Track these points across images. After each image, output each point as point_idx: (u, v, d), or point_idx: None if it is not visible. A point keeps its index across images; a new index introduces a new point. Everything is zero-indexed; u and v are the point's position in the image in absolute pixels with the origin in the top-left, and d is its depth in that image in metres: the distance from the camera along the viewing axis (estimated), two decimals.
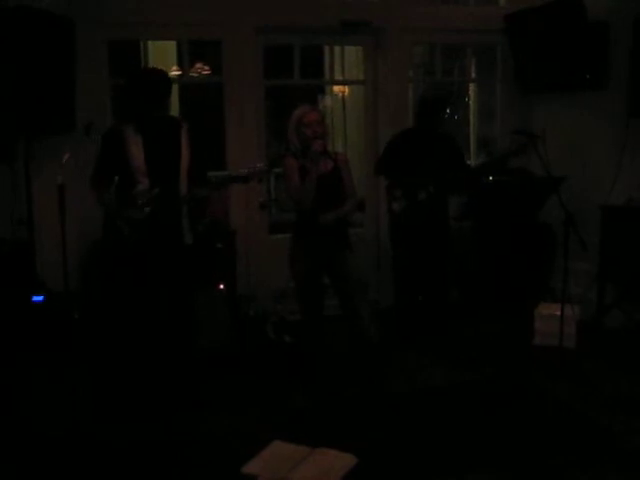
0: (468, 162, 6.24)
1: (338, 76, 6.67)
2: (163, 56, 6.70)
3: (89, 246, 5.19)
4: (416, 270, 5.40)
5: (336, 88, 7.34)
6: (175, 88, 7.34)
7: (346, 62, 6.84)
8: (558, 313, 4.38)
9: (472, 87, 7.42)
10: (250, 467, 3.35)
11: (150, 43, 5.79)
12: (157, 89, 3.96)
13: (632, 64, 5.20)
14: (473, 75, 6.92)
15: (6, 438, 3.72)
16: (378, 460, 3.44)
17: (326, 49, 6.52)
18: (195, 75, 6.50)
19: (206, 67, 6.75)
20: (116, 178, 4.05)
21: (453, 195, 5.66)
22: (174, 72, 6.72)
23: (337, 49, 6.53)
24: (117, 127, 4.07)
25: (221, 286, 5.12)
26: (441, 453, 3.53)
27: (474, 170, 5.94)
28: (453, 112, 8.77)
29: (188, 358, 4.27)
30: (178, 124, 4.12)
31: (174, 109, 7.21)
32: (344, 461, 3.36)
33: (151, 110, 3.98)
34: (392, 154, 5.37)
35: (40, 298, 4.83)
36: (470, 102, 7.56)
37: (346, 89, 7.16)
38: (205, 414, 4.02)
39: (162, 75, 4.06)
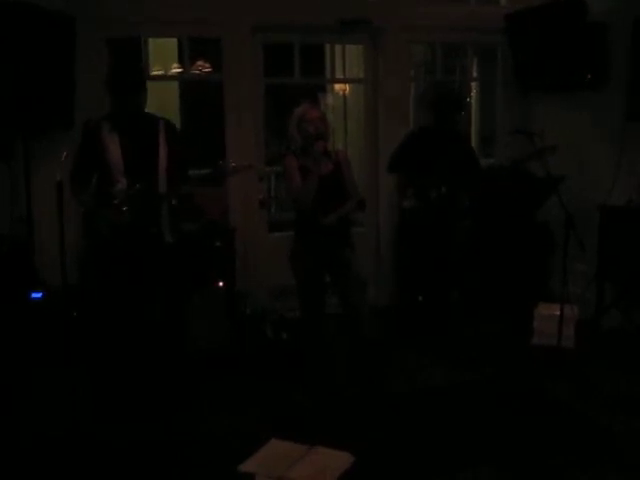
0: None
1: (339, 74, 6.66)
2: (164, 54, 6.69)
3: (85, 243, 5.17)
4: (419, 269, 5.40)
5: (337, 86, 7.33)
6: (176, 85, 7.34)
7: (347, 60, 6.83)
8: (557, 313, 4.38)
9: (473, 86, 7.42)
10: (247, 466, 3.36)
11: (151, 40, 5.78)
12: (124, 85, 3.89)
13: (631, 65, 5.21)
14: (474, 74, 6.92)
15: (6, 438, 3.72)
16: (377, 460, 3.45)
17: (327, 47, 6.52)
18: (196, 73, 6.49)
19: (207, 65, 6.73)
20: (94, 177, 4.01)
21: (467, 195, 5.65)
22: (175, 69, 6.71)
23: (338, 47, 6.52)
24: (93, 124, 3.97)
25: (220, 284, 5.12)
26: (441, 453, 3.54)
27: (490, 173, 5.91)
28: None
29: (178, 356, 4.26)
30: (155, 121, 4.07)
31: (174, 106, 7.22)
32: (340, 460, 3.38)
33: (122, 107, 3.93)
34: (406, 152, 5.35)
35: (39, 295, 4.82)
36: (471, 101, 7.56)
37: (347, 87, 7.15)
38: (205, 414, 4.03)
39: (130, 71, 4.01)
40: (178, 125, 6.53)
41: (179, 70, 6.50)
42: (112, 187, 3.91)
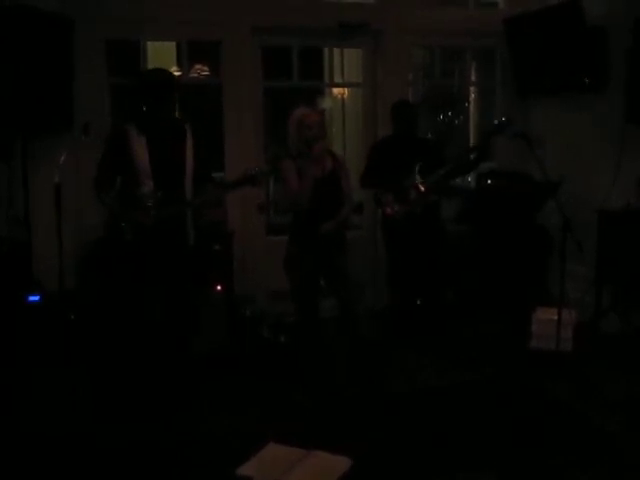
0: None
1: (338, 78, 6.67)
2: (162, 57, 6.69)
3: (86, 246, 5.16)
4: (410, 272, 5.41)
5: (336, 90, 7.35)
6: None
7: (346, 64, 6.84)
8: (555, 317, 4.37)
9: (472, 90, 7.45)
10: (245, 469, 3.33)
11: (149, 44, 5.78)
12: (161, 90, 3.90)
13: (629, 69, 5.23)
14: (473, 78, 6.94)
15: (6, 438, 3.70)
16: (377, 460, 3.43)
17: (326, 51, 6.54)
18: (194, 76, 6.49)
19: (205, 68, 6.74)
20: (118, 179, 4.00)
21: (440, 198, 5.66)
22: (173, 72, 6.71)
23: (337, 51, 6.54)
24: (121, 127, 4.00)
25: (218, 287, 5.11)
26: (440, 453, 3.53)
27: (443, 176, 5.89)
28: (454, 115, 8.80)
29: (186, 359, 4.25)
30: (182, 125, 4.08)
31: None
32: (339, 464, 3.34)
33: (155, 111, 3.93)
34: (375, 164, 5.38)
35: (36, 298, 4.80)
36: (470, 105, 7.59)
37: (345, 91, 7.17)
38: (205, 414, 4.02)
39: (167, 76, 4.01)
40: None
41: (178, 73, 6.51)
42: (137, 190, 3.89)
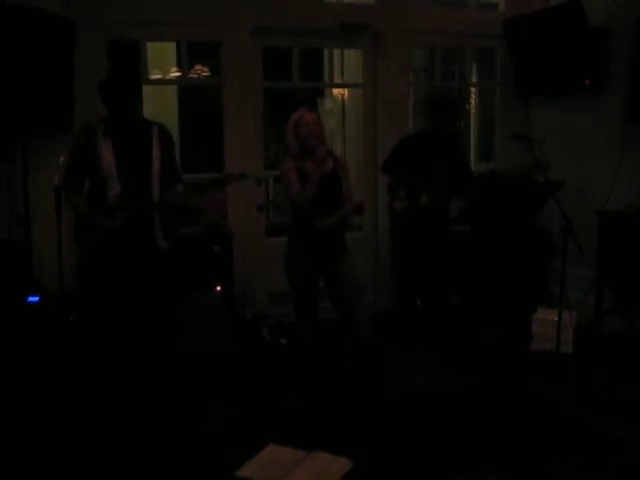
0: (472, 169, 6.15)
1: (338, 79, 6.67)
2: (163, 57, 6.72)
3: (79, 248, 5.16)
4: (415, 272, 5.40)
5: (336, 90, 7.36)
6: (174, 89, 7.36)
7: (346, 65, 6.85)
8: (556, 318, 4.37)
9: (472, 91, 7.45)
10: (245, 470, 3.32)
11: (150, 44, 5.78)
12: (116, 90, 3.90)
13: (631, 70, 5.23)
14: (473, 79, 6.93)
15: (5, 438, 3.70)
16: (376, 464, 3.41)
17: (326, 52, 6.53)
18: (194, 77, 6.50)
19: (205, 69, 6.75)
20: (87, 182, 4.01)
21: (458, 199, 5.64)
22: (173, 73, 6.73)
23: (337, 51, 6.53)
24: (88, 129, 3.99)
25: (218, 288, 5.11)
26: (438, 456, 3.51)
27: (488, 179, 5.86)
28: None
29: (172, 358, 4.25)
30: (149, 126, 4.07)
31: (172, 110, 7.22)
32: (339, 465, 3.33)
33: (116, 113, 3.93)
34: (401, 154, 5.34)
35: (35, 299, 4.79)
36: (470, 107, 7.59)
37: (346, 91, 7.18)
38: (205, 415, 4.01)
39: (125, 79, 4.01)
40: (176, 129, 6.57)
41: (178, 74, 6.52)
42: (105, 193, 3.89)
